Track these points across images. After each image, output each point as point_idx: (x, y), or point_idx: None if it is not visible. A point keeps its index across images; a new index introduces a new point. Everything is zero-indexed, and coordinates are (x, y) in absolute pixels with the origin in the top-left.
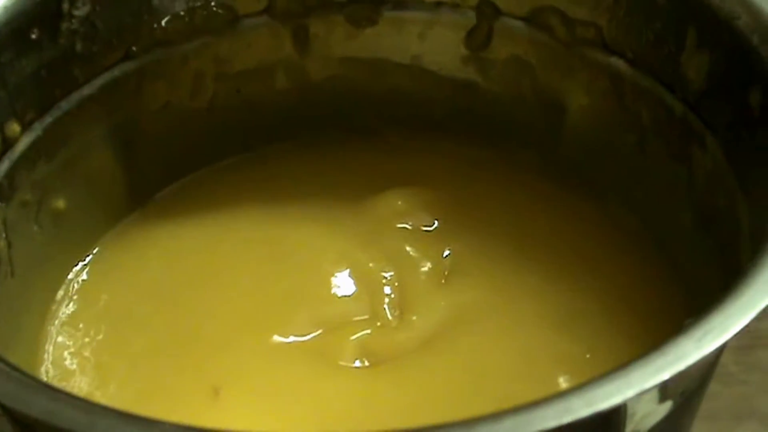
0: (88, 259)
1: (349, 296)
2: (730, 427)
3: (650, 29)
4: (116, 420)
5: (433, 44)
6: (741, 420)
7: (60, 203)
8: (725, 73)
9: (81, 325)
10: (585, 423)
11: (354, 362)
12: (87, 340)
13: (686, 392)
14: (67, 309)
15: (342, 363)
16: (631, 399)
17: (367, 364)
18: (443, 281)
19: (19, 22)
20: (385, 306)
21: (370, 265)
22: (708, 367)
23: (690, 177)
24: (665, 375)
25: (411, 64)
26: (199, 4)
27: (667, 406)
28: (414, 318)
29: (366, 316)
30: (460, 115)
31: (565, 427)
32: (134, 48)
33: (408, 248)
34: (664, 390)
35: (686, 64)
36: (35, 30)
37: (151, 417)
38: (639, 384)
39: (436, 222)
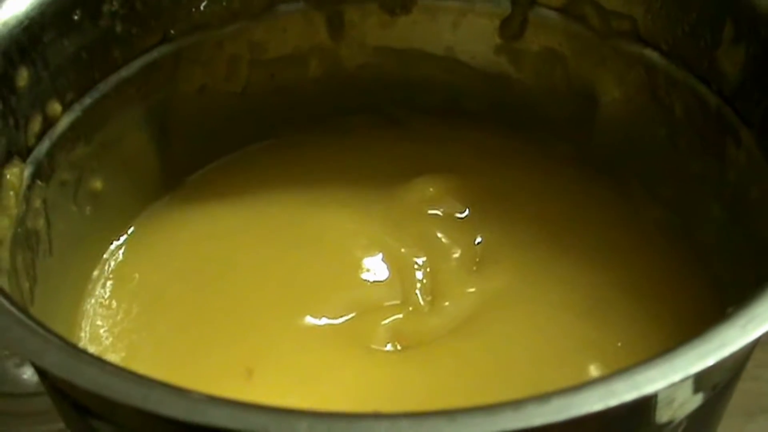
0: (122, 239)
1: (381, 281)
2: (741, 423)
3: (686, 21)
4: (167, 393)
5: (466, 33)
6: (753, 416)
7: (97, 184)
8: (762, 67)
9: (115, 304)
10: (629, 407)
11: (386, 346)
12: (120, 318)
13: (718, 385)
14: (102, 288)
15: (374, 346)
16: (675, 385)
17: (398, 348)
18: (474, 268)
19: (63, 2)
20: (417, 291)
21: (402, 250)
22: (744, 358)
23: (722, 170)
24: (710, 361)
25: (444, 55)
26: None
27: (703, 396)
28: (446, 304)
29: (398, 301)
30: (492, 105)
31: (610, 410)
32: (172, 31)
33: (439, 234)
34: (700, 380)
35: (722, 57)
36: (77, 11)
37: (199, 390)
38: (683, 369)
39: (467, 209)
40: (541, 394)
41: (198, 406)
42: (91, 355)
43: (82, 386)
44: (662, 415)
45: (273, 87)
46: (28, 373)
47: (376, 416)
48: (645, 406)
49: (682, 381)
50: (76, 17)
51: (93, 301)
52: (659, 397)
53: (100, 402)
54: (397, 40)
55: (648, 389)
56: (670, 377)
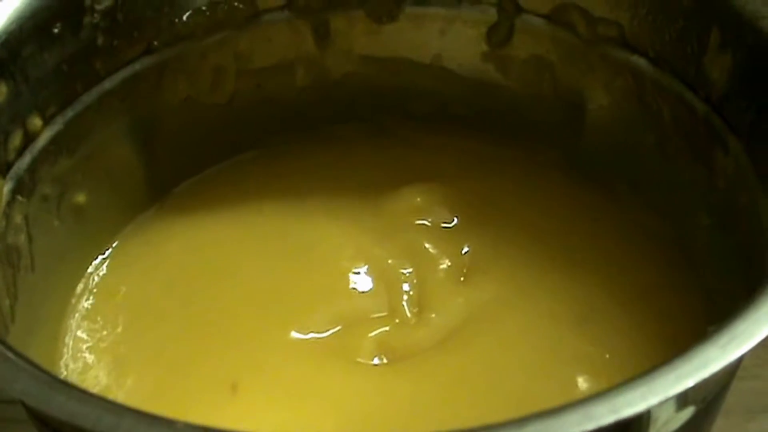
0: (107, 252)
1: (367, 292)
2: (743, 422)
3: (673, 28)
4: (139, 421)
5: (453, 41)
6: (754, 415)
7: (80, 197)
8: (749, 74)
9: (100, 319)
10: (608, 430)
11: (372, 359)
12: (105, 333)
13: (707, 398)
14: (87, 302)
15: (360, 360)
16: (655, 406)
17: (385, 361)
18: (462, 278)
19: (42, 16)
20: (404, 303)
21: (389, 261)
22: (730, 374)
23: (710, 177)
24: (690, 382)
25: (431, 63)
26: None
27: (689, 411)
28: (433, 315)
29: (384, 313)
30: (479, 112)
31: None
32: (155, 42)
33: (427, 245)
34: (686, 397)
35: (709, 64)
36: (57, 24)
37: (170, 418)
38: (663, 391)
39: (455, 219)
40: (517, 419)
41: None
42: (64, 382)
43: (52, 415)
44: None
45: (259, 97)
46: None
47: None
48: (627, 427)
49: (661, 403)
50: (56, 30)
51: (77, 315)
52: (642, 418)
53: (71, 429)
54: (384, 48)
55: (626, 412)
56: (648, 400)
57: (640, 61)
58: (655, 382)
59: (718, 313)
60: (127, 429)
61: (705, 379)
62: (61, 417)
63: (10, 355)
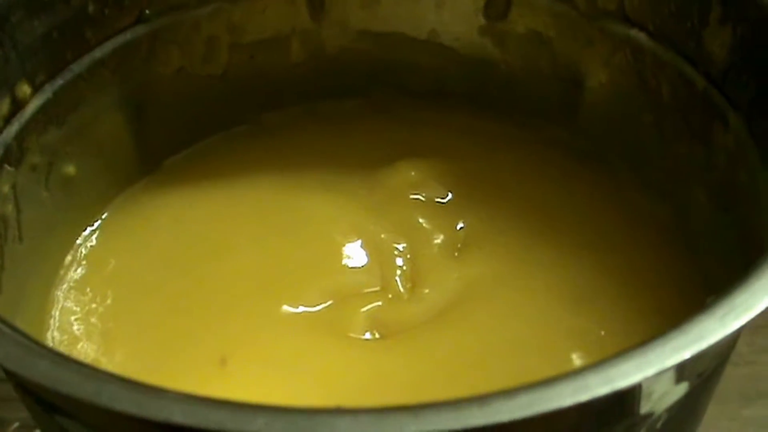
0: (96, 224)
1: (360, 267)
2: (737, 408)
3: (673, 2)
4: (122, 387)
5: (450, 14)
6: (749, 401)
7: (70, 168)
8: (750, 48)
9: (88, 290)
10: (602, 401)
11: (364, 334)
12: (94, 305)
13: (704, 373)
14: (75, 274)
15: (352, 335)
16: (650, 378)
17: (377, 336)
18: (456, 254)
19: None
20: (397, 278)
21: (382, 236)
22: (728, 348)
23: (709, 155)
24: (686, 354)
25: (427, 39)
26: None
27: (685, 386)
28: (426, 291)
29: (377, 288)
30: (476, 89)
31: (581, 405)
32: (147, 11)
33: (421, 220)
34: (683, 370)
35: (710, 38)
36: None
37: (156, 385)
38: (659, 362)
39: (449, 194)
40: (508, 389)
41: (152, 401)
42: (47, 348)
43: (35, 381)
44: (641, 407)
45: (253, 70)
46: None
47: (337, 411)
48: (621, 399)
49: (658, 374)
50: None
51: (65, 287)
52: (636, 390)
53: (59, 398)
54: (380, 22)
55: (621, 383)
56: (644, 371)
57: (640, 36)
58: (651, 353)
59: (715, 291)
60: (109, 396)
61: (702, 351)
62: (44, 383)
63: None
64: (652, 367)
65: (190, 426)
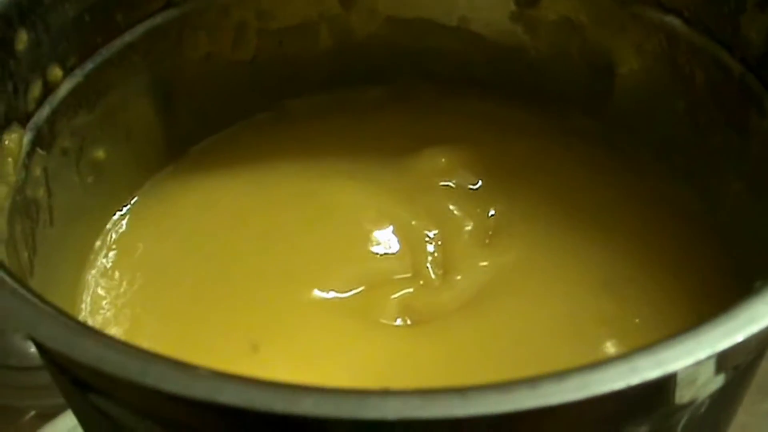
0: (125, 209)
1: (391, 254)
2: (758, 401)
3: None
4: (168, 367)
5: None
6: (767, 395)
7: (100, 153)
8: None
9: (117, 275)
10: (651, 386)
11: (395, 320)
12: (123, 290)
13: (743, 364)
14: (105, 259)
15: (383, 321)
16: (700, 363)
17: (408, 322)
18: (487, 241)
19: None
20: (428, 265)
21: (413, 222)
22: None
23: (743, 143)
24: (738, 337)
25: (458, 25)
26: None
27: (726, 376)
28: (457, 277)
29: (408, 275)
30: (505, 77)
31: (631, 389)
32: None
33: (451, 207)
34: (726, 359)
35: (747, 23)
36: None
37: (202, 365)
38: (710, 346)
39: (479, 181)
40: (559, 371)
41: (200, 381)
42: (89, 327)
43: (78, 360)
44: (683, 395)
45: (281, 56)
46: (34, 347)
47: (386, 393)
48: (666, 385)
49: (708, 359)
50: None
51: (95, 271)
52: (681, 377)
53: (98, 377)
54: (410, 8)
55: (672, 367)
56: (696, 354)
57: (675, 21)
58: (703, 336)
59: (747, 280)
60: (155, 376)
61: (753, 335)
62: (87, 362)
63: (34, 300)
64: (704, 351)
65: (237, 406)
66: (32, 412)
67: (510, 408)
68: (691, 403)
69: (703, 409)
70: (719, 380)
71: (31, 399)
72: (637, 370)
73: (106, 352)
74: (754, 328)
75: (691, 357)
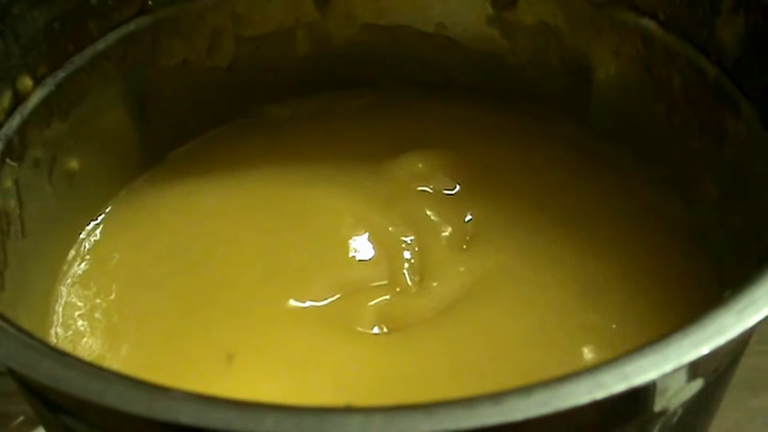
0: (100, 218)
1: (367, 261)
2: (745, 398)
3: None
4: (128, 387)
5: (457, 3)
6: (757, 391)
7: (73, 163)
8: (763, 37)
9: (92, 285)
10: (617, 399)
11: (372, 329)
12: (98, 300)
13: (718, 369)
14: (79, 268)
15: (360, 329)
16: (667, 375)
17: (385, 330)
18: (464, 247)
19: None
20: (405, 271)
21: (390, 229)
22: (743, 343)
23: (719, 147)
24: (704, 349)
25: (435, 31)
26: None
27: (700, 383)
28: (434, 284)
29: (385, 282)
30: (483, 81)
31: (597, 403)
32: (150, 2)
33: (428, 212)
34: (698, 367)
35: (722, 26)
36: None
37: (162, 384)
38: (676, 359)
39: (457, 186)
40: (524, 386)
41: (159, 401)
42: (50, 347)
43: (39, 380)
44: (655, 404)
45: (258, 62)
46: None
47: (348, 410)
48: (636, 397)
49: (675, 371)
50: None
51: (69, 282)
52: (650, 388)
53: (64, 398)
54: (386, 15)
55: (638, 380)
56: (661, 367)
57: (650, 24)
58: (669, 348)
59: (727, 285)
60: (114, 396)
61: (720, 346)
62: (47, 382)
63: None
64: (669, 364)
65: (197, 426)
66: (21, 418)
67: (474, 424)
68: (663, 412)
69: (676, 418)
70: (695, 386)
71: (20, 404)
72: (602, 384)
73: (67, 372)
74: (720, 340)
75: (656, 370)
